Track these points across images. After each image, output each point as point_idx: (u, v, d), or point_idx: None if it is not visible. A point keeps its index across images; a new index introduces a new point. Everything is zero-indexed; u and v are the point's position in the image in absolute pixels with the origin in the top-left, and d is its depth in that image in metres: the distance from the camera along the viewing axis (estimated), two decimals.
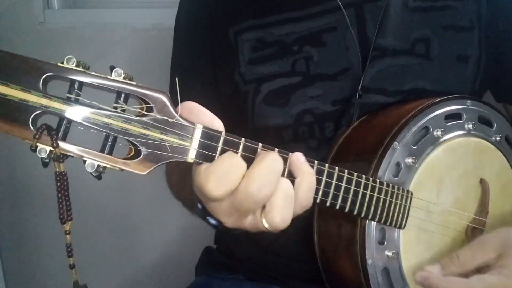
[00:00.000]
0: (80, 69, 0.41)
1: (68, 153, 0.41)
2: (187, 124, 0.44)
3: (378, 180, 0.58)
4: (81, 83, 0.41)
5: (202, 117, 0.46)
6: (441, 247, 0.65)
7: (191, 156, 0.45)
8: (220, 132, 0.46)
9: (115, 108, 0.42)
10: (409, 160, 0.62)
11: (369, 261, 0.60)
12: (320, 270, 0.69)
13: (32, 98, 0.40)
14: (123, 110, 0.42)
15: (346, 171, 0.55)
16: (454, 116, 0.67)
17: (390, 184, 0.60)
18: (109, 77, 0.42)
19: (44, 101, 0.40)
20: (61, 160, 0.41)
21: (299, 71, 0.72)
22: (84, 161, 0.42)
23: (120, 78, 0.42)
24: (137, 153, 0.43)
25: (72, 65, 0.41)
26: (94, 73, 0.41)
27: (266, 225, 0.47)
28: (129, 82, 0.42)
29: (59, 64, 0.41)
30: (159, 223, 1.41)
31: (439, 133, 0.65)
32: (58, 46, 1.33)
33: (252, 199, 0.45)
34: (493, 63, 0.76)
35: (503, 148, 0.71)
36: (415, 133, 0.63)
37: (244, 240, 0.85)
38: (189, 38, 0.82)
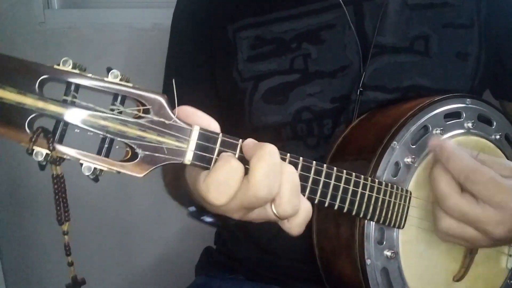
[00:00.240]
0: (76, 71, 0.41)
1: (65, 156, 0.41)
2: (184, 125, 0.44)
3: (376, 180, 0.58)
4: (78, 85, 0.41)
5: (198, 120, 0.45)
6: (441, 247, 0.65)
7: (188, 158, 0.45)
8: (217, 134, 0.46)
9: (112, 110, 0.42)
10: (408, 160, 0.62)
11: (368, 261, 0.60)
12: (319, 270, 0.69)
13: (28, 101, 0.39)
14: (120, 112, 0.42)
15: (345, 171, 0.54)
16: (453, 115, 0.66)
17: (389, 184, 0.59)
18: (105, 79, 0.42)
19: (40, 104, 0.40)
20: (57, 163, 0.41)
21: (297, 69, 0.72)
22: (81, 164, 0.41)
23: (117, 80, 0.42)
24: (134, 156, 0.43)
25: (68, 67, 0.41)
26: (90, 75, 0.41)
27: (277, 216, 0.47)
28: (125, 84, 0.42)
29: (55, 66, 0.40)
30: (159, 223, 1.41)
31: (438, 132, 0.64)
32: (58, 46, 1.33)
33: (263, 200, 0.45)
34: (492, 61, 0.76)
35: (503, 147, 0.71)
36: (414, 132, 0.63)
37: (243, 240, 0.85)
38: (187, 36, 0.82)
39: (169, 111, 0.44)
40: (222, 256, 0.90)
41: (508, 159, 0.71)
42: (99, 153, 0.42)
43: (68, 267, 0.46)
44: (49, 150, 0.40)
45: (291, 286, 0.79)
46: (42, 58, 0.40)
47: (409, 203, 0.62)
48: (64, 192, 0.43)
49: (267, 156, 0.44)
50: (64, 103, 0.41)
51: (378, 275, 0.61)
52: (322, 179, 0.52)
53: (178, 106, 0.45)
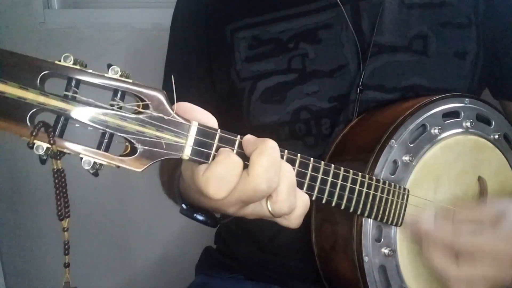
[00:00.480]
0: (77, 67, 0.41)
1: (65, 150, 0.42)
2: (182, 121, 0.45)
3: (374, 178, 0.58)
4: (78, 81, 0.41)
5: (196, 116, 0.46)
6: None
7: (186, 153, 0.45)
8: (216, 129, 0.46)
9: (112, 105, 0.42)
10: (406, 158, 0.63)
11: (366, 259, 0.60)
12: (318, 269, 0.70)
13: (29, 95, 0.40)
14: (120, 108, 0.43)
15: (343, 168, 0.55)
16: (452, 114, 0.67)
17: (387, 182, 0.60)
18: (105, 75, 0.42)
19: (41, 99, 0.40)
20: (58, 157, 0.41)
21: (295, 68, 0.72)
22: (81, 158, 0.42)
23: (117, 76, 0.42)
24: (133, 150, 0.43)
25: (70, 63, 0.41)
26: (91, 71, 0.42)
27: (272, 213, 0.48)
28: (125, 80, 0.43)
29: (56, 62, 0.41)
30: (159, 223, 1.41)
31: (436, 131, 0.65)
32: (58, 46, 1.33)
33: (262, 194, 0.46)
34: (491, 60, 0.76)
35: (501, 146, 0.71)
36: (412, 131, 0.63)
37: (243, 239, 0.85)
38: (185, 36, 0.82)
39: (168, 107, 0.44)
40: (222, 256, 0.90)
41: (506, 158, 0.72)
42: (99, 147, 0.42)
43: (64, 269, 0.46)
44: (50, 144, 0.40)
45: (291, 285, 0.79)
46: (41, 58, 0.41)
47: (406, 201, 0.62)
48: (65, 187, 0.43)
49: (268, 150, 0.45)
50: (65, 98, 0.41)
51: (375, 272, 0.61)
52: (320, 176, 0.53)
53: (177, 102, 0.45)
